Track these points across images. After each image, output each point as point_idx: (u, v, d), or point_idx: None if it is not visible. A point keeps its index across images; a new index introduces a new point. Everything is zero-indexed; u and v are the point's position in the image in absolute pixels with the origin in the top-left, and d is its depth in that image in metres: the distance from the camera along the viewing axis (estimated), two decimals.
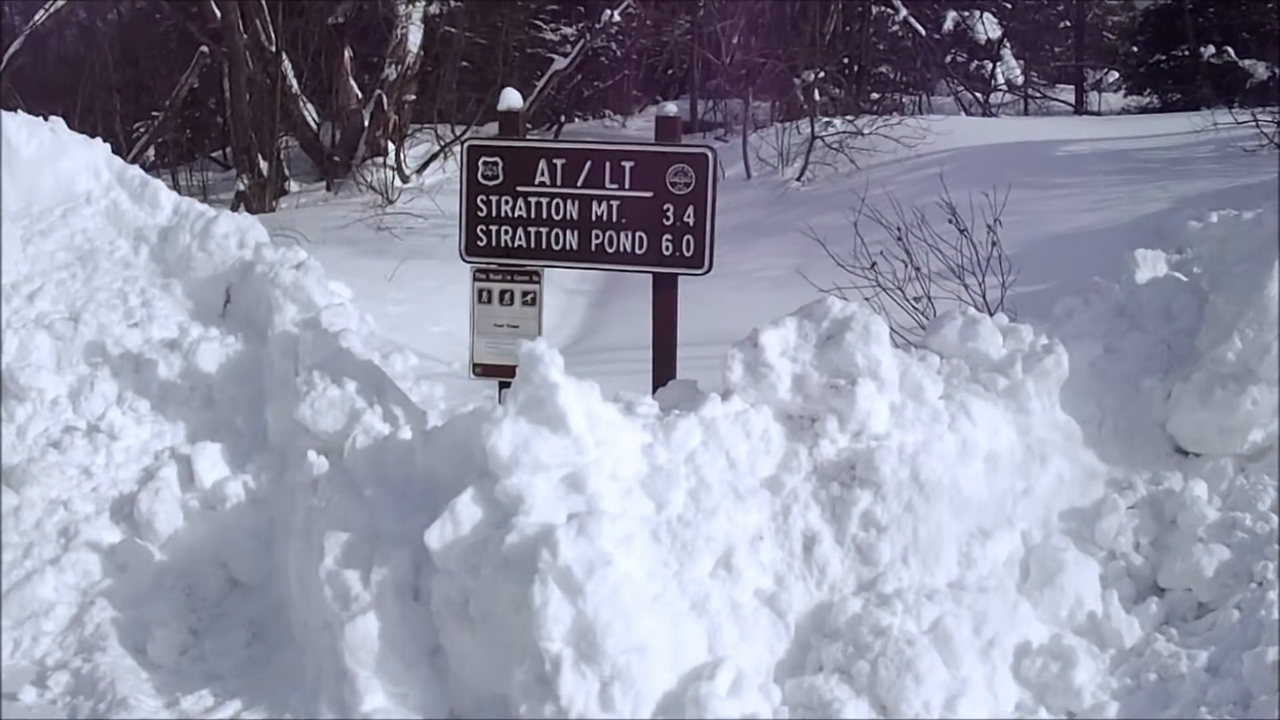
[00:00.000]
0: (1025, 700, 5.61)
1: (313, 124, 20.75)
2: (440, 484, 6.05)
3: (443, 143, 20.17)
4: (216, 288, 9.34)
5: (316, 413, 7.12)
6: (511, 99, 7.52)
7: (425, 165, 19.44)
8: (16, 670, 6.60)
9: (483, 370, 7.37)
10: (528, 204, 7.20)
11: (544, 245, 7.20)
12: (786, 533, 5.91)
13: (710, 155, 7.11)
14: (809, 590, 5.83)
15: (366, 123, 20.01)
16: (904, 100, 28.49)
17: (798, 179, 18.35)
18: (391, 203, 17.24)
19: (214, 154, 25.25)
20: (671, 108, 7.48)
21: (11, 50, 21.97)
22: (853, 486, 6.03)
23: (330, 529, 5.86)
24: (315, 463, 6.82)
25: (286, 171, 19.89)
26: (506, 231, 7.24)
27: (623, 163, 7.10)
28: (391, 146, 19.71)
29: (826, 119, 20.02)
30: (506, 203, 7.23)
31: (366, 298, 8.86)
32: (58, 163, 10.76)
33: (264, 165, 19.33)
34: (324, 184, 19.80)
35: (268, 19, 20.00)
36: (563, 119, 28.22)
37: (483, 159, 7.25)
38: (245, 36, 19.59)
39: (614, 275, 13.54)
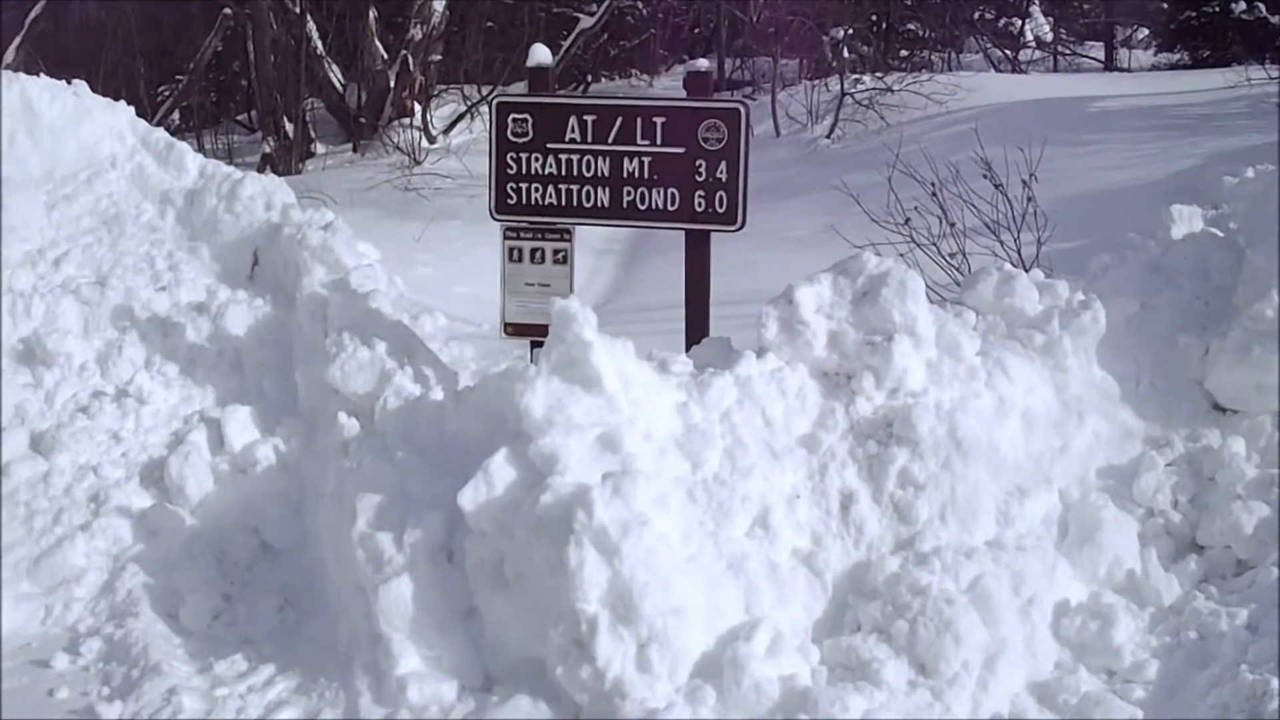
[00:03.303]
0: (1064, 659, 5.55)
1: (338, 86, 20.66)
2: (472, 445, 5.97)
3: (469, 103, 20.07)
4: (244, 250, 9.29)
5: (346, 374, 7.07)
6: (540, 55, 7.41)
7: (452, 126, 19.35)
8: (49, 637, 6.57)
9: (514, 330, 7.28)
10: (558, 161, 7.10)
11: (575, 202, 7.11)
12: (823, 491, 5.83)
13: (743, 110, 7.01)
14: (846, 549, 5.76)
15: (392, 84, 19.91)
16: (933, 57, 28.28)
17: (827, 136, 18.24)
18: (419, 164, 17.15)
19: (239, 117, 25.18)
20: (703, 63, 7.37)
21: (33, 15, 21.91)
22: (890, 444, 5.95)
23: (362, 491, 5.79)
24: (346, 425, 6.76)
25: (312, 134, 19.83)
26: (537, 189, 7.15)
27: (654, 118, 7.00)
28: (418, 107, 19.60)
29: (855, 76, 19.87)
30: (536, 160, 7.13)
31: (394, 259, 8.79)
32: (81, 127, 10.73)
33: (289, 128, 19.27)
34: (350, 146, 19.72)
35: None
36: (589, 78, 28.07)
37: (512, 116, 7.16)
38: None
39: (643, 234, 13.48)
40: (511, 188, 7.18)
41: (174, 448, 7.55)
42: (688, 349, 6.69)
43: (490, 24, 23.67)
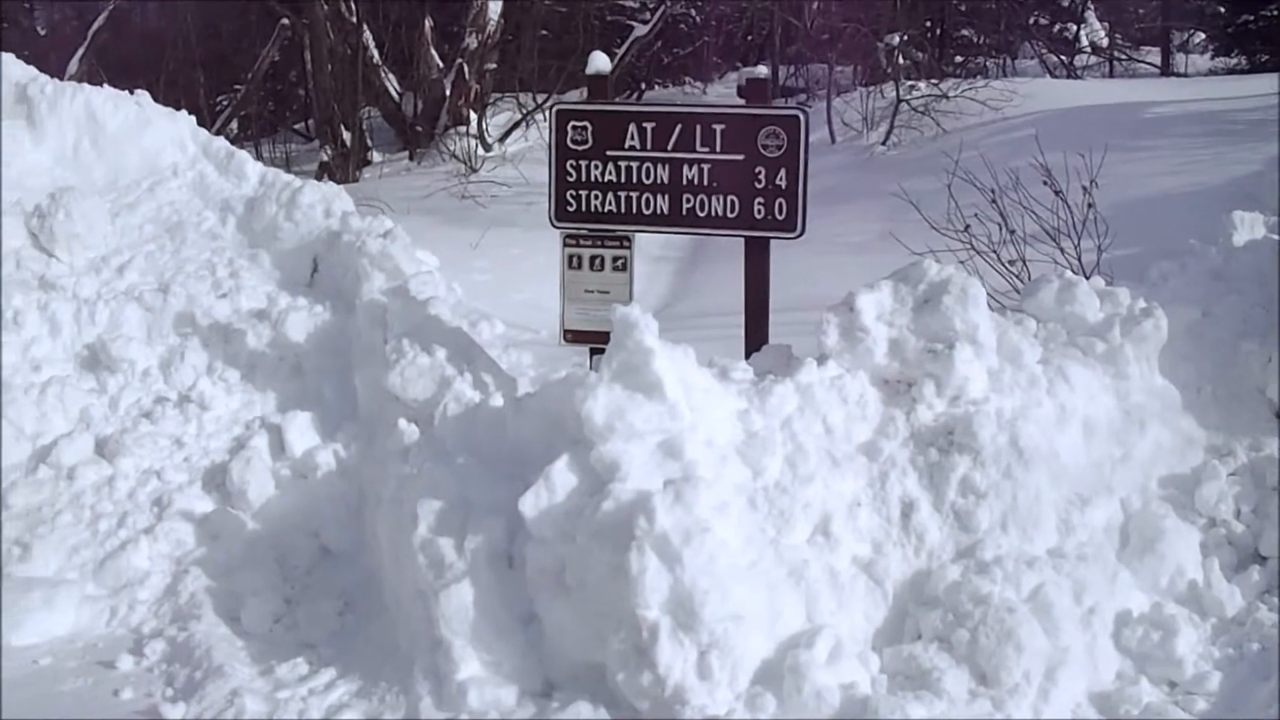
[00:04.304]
0: (1126, 669, 5.53)
1: (394, 94, 20.77)
2: (532, 451, 5.99)
3: (524, 111, 20.13)
4: (303, 257, 9.35)
5: (406, 381, 7.10)
6: (599, 63, 7.44)
7: (507, 134, 19.43)
8: (113, 638, 6.65)
9: (573, 337, 7.30)
10: (617, 168, 7.12)
11: (634, 210, 7.12)
12: (884, 499, 5.82)
13: (802, 117, 7.00)
14: (907, 557, 5.74)
15: (448, 92, 20.00)
16: (987, 63, 28.17)
17: (882, 143, 18.21)
18: (475, 171, 17.22)
19: (296, 126, 25.36)
20: (762, 70, 7.41)
21: (95, 26, 22.14)
22: (951, 452, 5.93)
23: (423, 497, 5.82)
24: (405, 431, 6.80)
25: (369, 142, 19.95)
26: (596, 196, 7.16)
27: (713, 125, 7.01)
28: (473, 115, 19.67)
29: (910, 83, 19.83)
30: (596, 167, 7.15)
31: (451, 266, 8.84)
32: (144, 136, 10.83)
33: (346, 136, 19.38)
34: (406, 154, 19.83)
35: None
36: (643, 86, 28.10)
37: (572, 123, 7.17)
38: (326, 8, 19.60)
39: (699, 241, 13.50)
40: (571, 195, 7.20)
41: (235, 453, 7.63)
42: (747, 356, 6.69)
43: (544, 32, 23.75)
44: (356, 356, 8.05)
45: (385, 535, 6.39)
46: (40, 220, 9.49)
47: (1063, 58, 30.24)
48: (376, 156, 19.66)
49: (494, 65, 21.43)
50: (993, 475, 5.88)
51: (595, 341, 7.16)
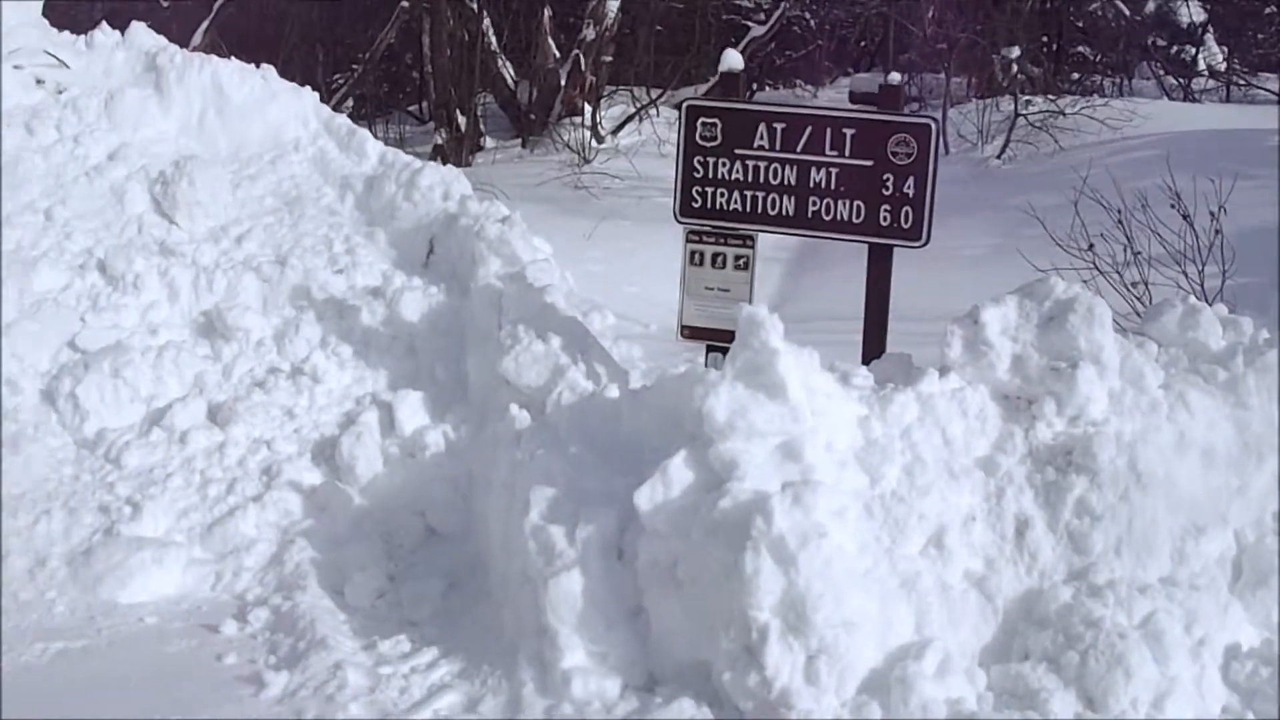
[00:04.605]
0: (1232, 704, 5.41)
1: (510, 82, 20.84)
2: (646, 445, 5.99)
3: (638, 104, 20.16)
4: (420, 238, 9.39)
5: (520, 367, 7.12)
6: (732, 60, 7.42)
7: (620, 126, 19.45)
8: (218, 603, 6.73)
9: (690, 333, 7.29)
10: (745, 167, 7.10)
11: (759, 210, 7.10)
12: (999, 515, 5.74)
13: (934, 126, 6.95)
14: (1019, 575, 5.66)
15: (563, 82, 20.05)
16: (1104, 82, 27.84)
17: (998, 157, 18.03)
18: (588, 162, 17.24)
19: (410, 108, 25.52)
20: (896, 76, 7.34)
21: (219, 3, 22.39)
22: (1068, 472, 5.84)
23: (535, 484, 5.82)
24: (517, 416, 6.81)
25: (482, 128, 20.03)
26: (722, 194, 7.15)
27: (844, 130, 6.97)
28: (587, 107, 19.70)
29: (1026, 97, 19.63)
30: (723, 165, 7.13)
31: (564, 256, 8.84)
32: (267, 110, 10.90)
33: (461, 120, 19.45)
34: (519, 141, 19.89)
35: None
36: (755, 86, 28.05)
37: (701, 120, 7.17)
38: None
39: (809, 245, 13.42)
40: (697, 191, 7.19)
41: (346, 427, 7.68)
42: (864, 363, 6.64)
43: (660, 28, 23.74)
44: (470, 340, 8.08)
45: (493, 518, 6.42)
46: (164, 187, 9.61)
47: (1180, 80, 29.82)
48: (489, 142, 19.75)
49: (610, 58, 21.44)
50: (1109, 498, 5.79)
51: (712, 339, 7.16)
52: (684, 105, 7.29)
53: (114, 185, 9.75)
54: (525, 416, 6.82)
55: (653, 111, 19.75)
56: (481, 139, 19.72)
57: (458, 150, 18.34)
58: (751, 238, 7.19)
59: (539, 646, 5.49)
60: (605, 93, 20.88)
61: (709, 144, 7.14)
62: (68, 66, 10.94)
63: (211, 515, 7.28)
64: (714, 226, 7.21)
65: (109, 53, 11.25)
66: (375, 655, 6.02)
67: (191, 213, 9.47)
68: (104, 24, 11.81)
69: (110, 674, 6.06)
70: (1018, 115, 18.57)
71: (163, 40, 11.54)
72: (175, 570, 6.91)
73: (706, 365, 7.01)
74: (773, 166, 7.05)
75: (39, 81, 10.80)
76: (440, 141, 18.29)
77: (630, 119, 19.72)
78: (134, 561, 6.86)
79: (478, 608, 6.34)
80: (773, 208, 7.08)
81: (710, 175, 7.16)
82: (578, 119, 19.23)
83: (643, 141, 17.97)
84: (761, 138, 7.06)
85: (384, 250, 9.37)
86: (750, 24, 25.28)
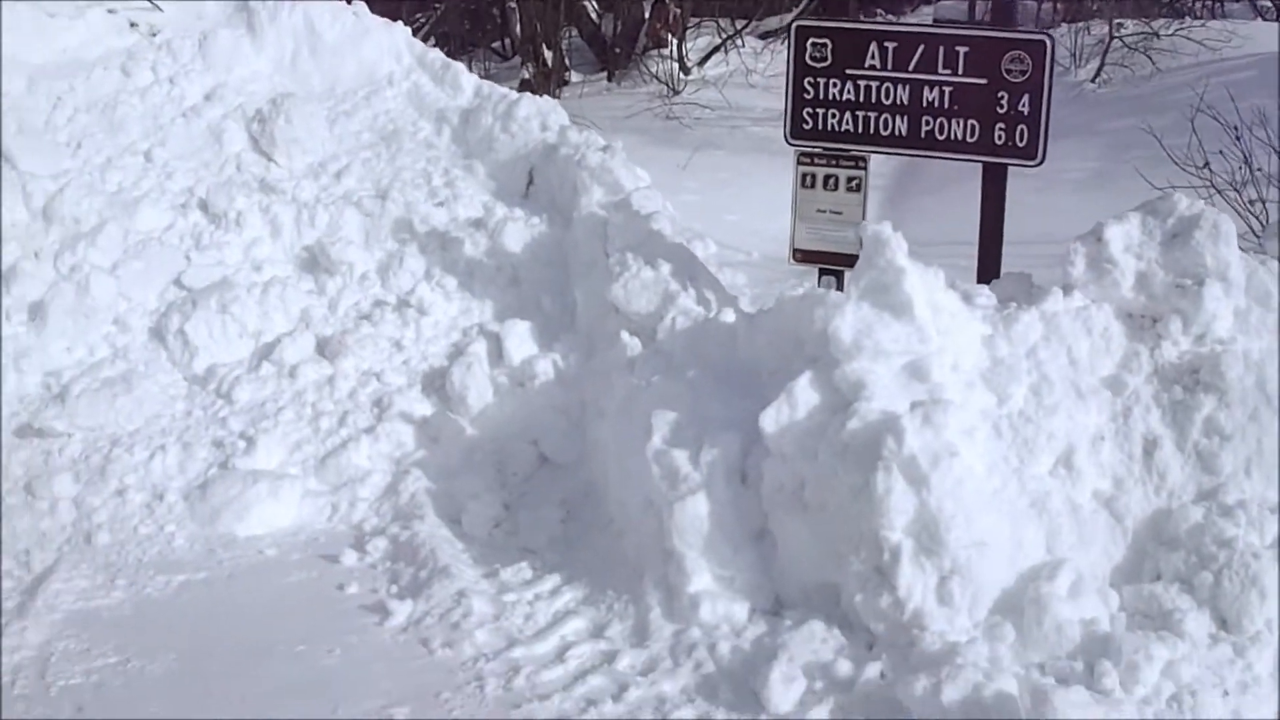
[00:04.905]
0: None
1: (594, 15, 20.71)
2: (764, 368, 5.94)
3: (723, 35, 19.96)
4: (519, 169, 9.33)
5: (630, 294, 7.08)
6: None
7: (707, 58, 19.26)
8: (335, 533, 6.76)
9: (802, 256, 7.19)
10: (856, 87, 6.97)
11: (871, 130, 6.97)
12: (1126, 435, 5.63)
13: (1049, 42, 6.79)
14: (1147, 495, 5.56)
15: (647, 15, 19.90)
16: (1195, 4, 27.29)
17: (1092, 80, 17.71)
18: (677, 93, 17.09)
19: (494, 45, 25.41)
20: None
21: None
22: (1196, 391, 5.71)
23: (656, 409, 5.78)
24: (629, 343, 6.77)
25: (567, 63, 19.92)
26: (833, 115, 7.03)
27: (957, 48, 6.82)
28: (672, 39, 19.53)
29: (1119, 20, 19.26)
30: (834, 86, 7.01)
31: (660, 186, 8.73)
32: (360, 46, 10.88)
33: (548, 55, 19.34)
34: (604, 75, 19.76)
35: None
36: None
37: (811, 40, 7.03)
38: None
39: (904, 172, 13.26)
40: (808, 113, 7.07)
41: (454, 358, 7.66)
42: (977, 283, 6.53)
43: None
44: (575, 268, 8.03)
45: (610, 445, 6.39)
46: (260, 125, 9.63)
47: (1273, 1, 29.13)
48: (574, 77, 19.65)
49: None
50: (1238, 417, 5.66)
51: (824, 262, 7.07)
52: (793, 26, 7.16)
53: (211, 125, 9.79)
54: (636, 343, 6.78)
55: (738, 42, 19.53)
56: (567, 74, 19.61)
57: (544, 85, 18.16)
58: (864, 159, 7.06)
59: (664, 571, 5.46)
60: (689, 24, 20.69)
61: (819, 65, 7.01)
62: (160, 9, 10.97)
63: (324, 448, 7.30)
64: (825, 148, 7.09)
65: None
66: (497, 583, 6.01)
67: (289, 150, 9.49)
68: None
69: (234, 605, 6.12)
70: (1112, 38, 18.22)
71: None
72: (291, 502, 6.94)
73: (820, 288, 6.92)
74: (884, 86, 6.92)
75: (132, 24, 10.85)
76: (527, 76, 18.16)
77: (716, 50, 19.51)
78: (250, 494, 6.90)
79: (596, 534, 6.32)
80: (885, 128, 6.96)
81: (821, 96, 7.03)
82: (663, 51, 19.08)
83: (730, 72, 17.77)
84: (873, 57, 6.93)
85: (483, 182, 9.32)
86: None
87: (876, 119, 6.95)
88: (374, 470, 7.15)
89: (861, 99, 6.96)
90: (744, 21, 20.07)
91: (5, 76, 9.77)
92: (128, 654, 5.63)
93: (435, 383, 7.63)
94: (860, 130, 6.99)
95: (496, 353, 7.62)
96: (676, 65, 18.42)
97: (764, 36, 20.29)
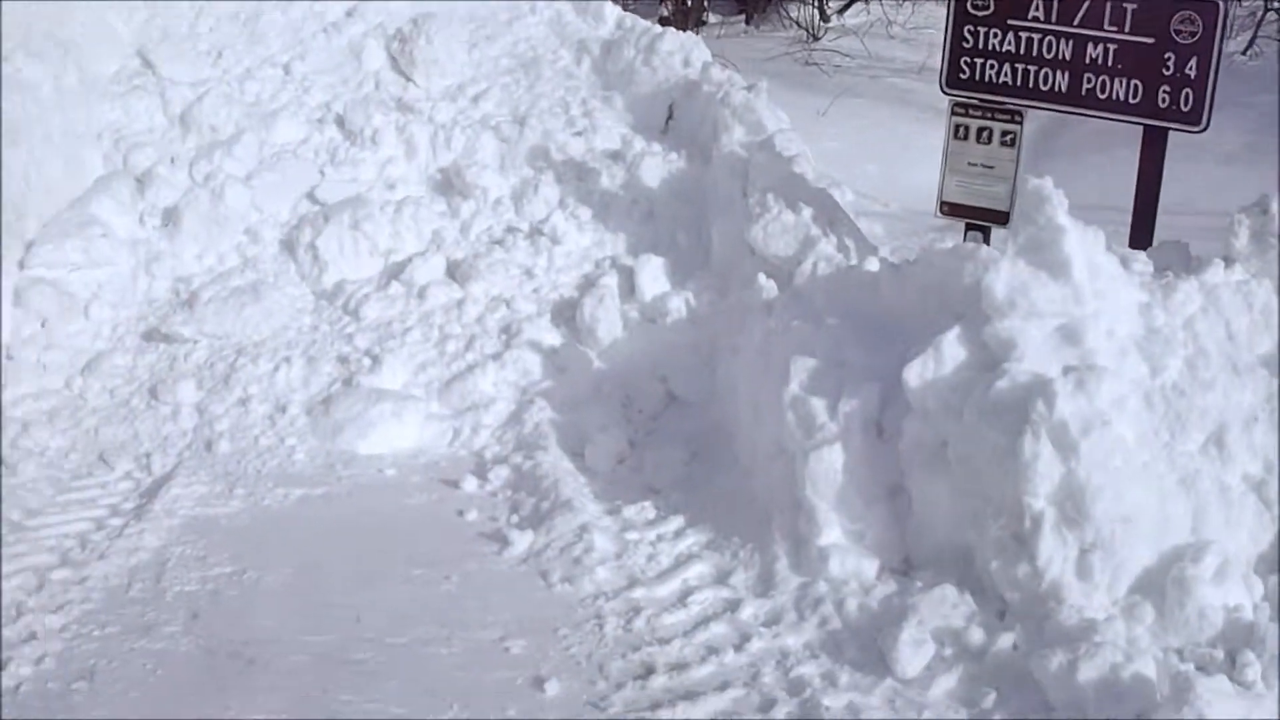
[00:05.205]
0: None
1: None
2: (909, 321, 5.76)
3: None
4: (658, 104, 9.18)
5: (769, 236, 6.94)
6: None
7: (847, 6, 18.91)
8: (456, 459, 6.72)
9: (950, 209, 6.97)
10: (1017, 39, 6.72)
11: (1030, 84, 6.72)
12: None
13: (1221, 4, 6.50)
14: None
15: None
16: None
17: (1243, 53, 17.18)
18: (817, 39, 16.81)
19: None
20: None
21: None
22: None
23: (794, 354, 5.64)
24: (765, 286, 6.63)
25: (705, 3, 19.68)
26: (992, 66, 6.79)
27: (1125, 4, 6.55)
28: None
29: None
30: (995, 36, 6.76)
31: (799, 131, 8.53)
32: None
33: None
34: (743, 18, 19.49)
35: None
36: None
37: None
38: None
39: (1043, 132, 12.91)
40: (965, 62, 6.84)
41: (585, 290, 7.56)
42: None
43: None
44: (712, 207, 7.89)
45: (742, 388, 6.27)
46: (401, 44, 9.57)
47: None
48: (711, 18, 19.42)
49: None
50: None
51: (972, 216, 6.87)
52: None
53: (351, 42, 9.76)
54: (773, 286, 6.65)
55: None
56: (704, 14, 19.38)
57: (682, 24, 17.87)
58: (1020, 113, 6.82)
59: (794, 521, 5.34)
60: None
61: (980, 13, 6.78)
62: None
63: (450, 371, 7.25)
64: (981, 100, 6.86)
65: None
66: (620, 520, 5.93)
67: (428, 70, 9.43)
68: None
69: (351, 523, 6.10)
70: (1267, 9, 17.68)
71: None
72: (414, 424, 6.91)
73: (966, 241, 6.72)
74: (1047, 39, 6.66)
75: None
76: (665, 14, 17.97)
77: None
78: (373, 413, 6.88)
79: (723, 476, 6.19)
80: (1044, 83, 6.70)
81: (980, 46, 6.80)
82: None
83: (870, 22, 17.44)
84: (1037, 8, 6.67)
85: (621, 114, 9.18)
86: None
87: (1036, 73, 6.70)
88: (498, 397, 7.09)
89: (1022, 51, 6.71)
90: None
91: None
92: (243, 564, 5.66)
93: (565, 313, 7.55)
94: (1018, 83, 6.74)
95: (628, 287, 7.52)
96: (816, 12, 18.11)
97: None
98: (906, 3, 18.46)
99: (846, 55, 15.52)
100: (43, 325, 7.56)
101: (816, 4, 18.35)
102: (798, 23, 17.39)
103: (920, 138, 12.04)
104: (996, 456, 4.87)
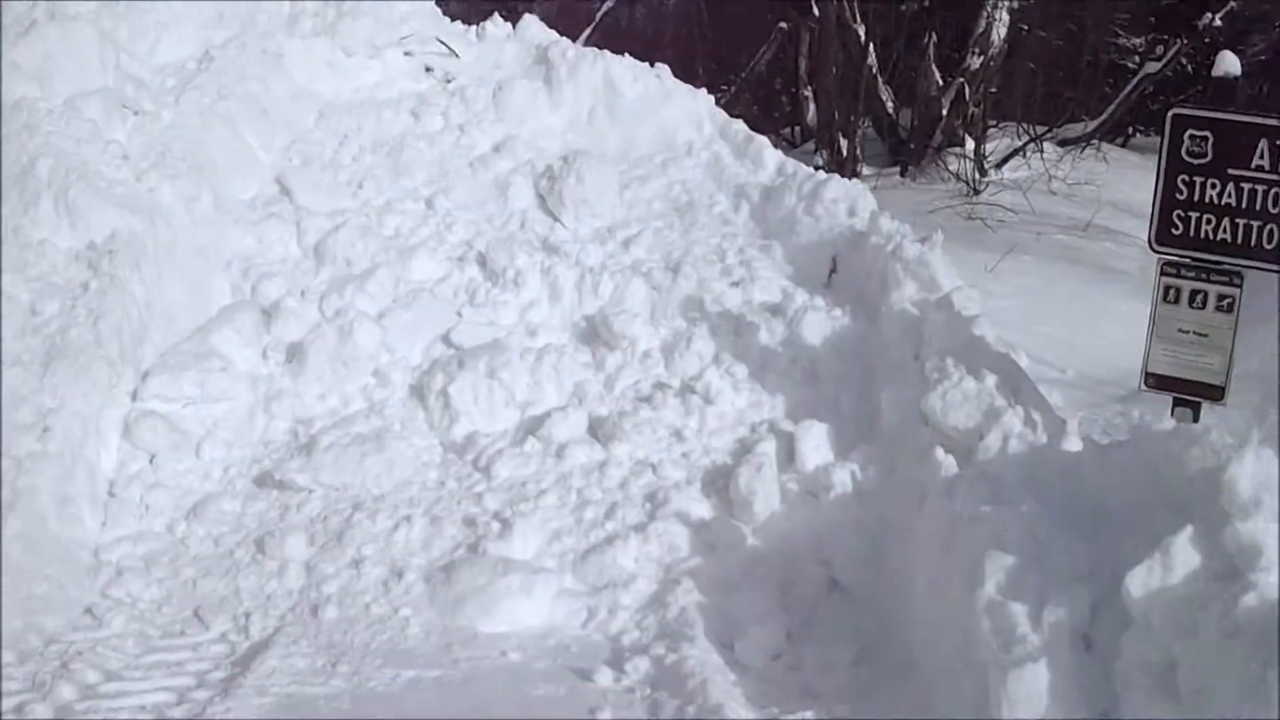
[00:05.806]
0: None
1: (889, 108, 19.96)
2: (1117, 513, 4.98)
3: (1023, 137, 18.99)
4: (821, 255, 8.61)
5: (948, 405, 6.20)
6: (1229, 64, 6.33)
7: (1006, 160, 18.30)
8: (590, 643, 5.99)
9: (1156, 382, 6.12)
10: (1239, 190, 5.94)
11: (1254, 242, 5.92)
12: None
13: None
14: None
15: (945, 111, 19.08)
16: None
17: None
18: (978, 193, 16.19)
19: (782, 131, 24.89)
20: None
21: (603, 10, 22.41)
22: None
23: (988, 548, 4.86)
24: (943, 461, 5.88)
25: (859, 154, 19.20)
26: (1209, 221, 6.01)
27: None
28: (968, 138, 18.68)
29: None
30: (1213, 187, 5.99)
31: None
32: (660, 110, 10.51)
33: (843, 143, 18.69)
34: (897, 169, 18.97)
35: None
36: (1130, 130, 26.25)
37: (1189, 132, 6.04)
38: (838, 6, 19.03)
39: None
40: (1179, 216, 6.07)
41: (740, 457, 6.88)
42: None
43: (1031, 65, 22.43)
44: (881, 369, 7.20)
45: (919, 579, 5.50)
46: (550, 182, 9.22)
47: None
48: (865, 170, 18.90)
49: (995, 89, 20.32)
50: None
51: (1182, 390, 6.04)
52: (1170, 114, 6.17)
53: (498, 178, 9.45)
54: (952, 462, 5.89)
55: (1038, 147, 18.50)
56: (859, 164, 18.87)
57: (838, 173, 17.51)
58: (1240, 274, 6.02)
59: None
60: (990, 124, 19.77)
61: (1197, 161, 6.02)
62: (458, 56, 10.71)
63: (587, 541, 6.58)
64: (1196, 259, 6.07)
65: (500, 44, 11.02)
66: None
67: (578, 211, 9.03)
68: (496, 15, 11.56)
69: (466, 714, 5.35)
70: None
71: (554, 34, 11.22)
72: (544, 600, 6.21)
73: (1173, 419, 5.91)
74: (1274, 191, 5.88)
75: (428, 69, 10.62)
76: (821, 164, 17.48)
77: (1016, 152, 18.53)
78: (500, 586, 6.20)
79: (895, 685, 5.36)
80: (1269, 240, 5.91)
81: (1196, 198, 6.03)
82: (958, 149, 18.21)
83: (1030, 176, 16.78)
84: (1261, 156, 5.89)
85: (780, 265, 8.62)
86: (1127, 64, 23.74)
87: (1260, 229, 5.90)
88: (640, 575, 6.36)
89: (1244, 204, 5.93)
90: (1044, 128, 19.05)
91: (296, 109, 9.54)
92: None
93: (717, 482, 6.85)
94: (1240, 240, 5.94)
95: (788, 455, 6.82)
96: (975, 165, 17.52)
97: (1063, 144, 19.25)
98: (1065, 158, 17.85)
99: (1009, 210, 14.89)
100: (151, 461, 7.11)
101: (974, 157, 17.79)
102: (956, 175, 16.81)
103: (1094, 298, 11.32)
104: (1241, 689, 4.03)
